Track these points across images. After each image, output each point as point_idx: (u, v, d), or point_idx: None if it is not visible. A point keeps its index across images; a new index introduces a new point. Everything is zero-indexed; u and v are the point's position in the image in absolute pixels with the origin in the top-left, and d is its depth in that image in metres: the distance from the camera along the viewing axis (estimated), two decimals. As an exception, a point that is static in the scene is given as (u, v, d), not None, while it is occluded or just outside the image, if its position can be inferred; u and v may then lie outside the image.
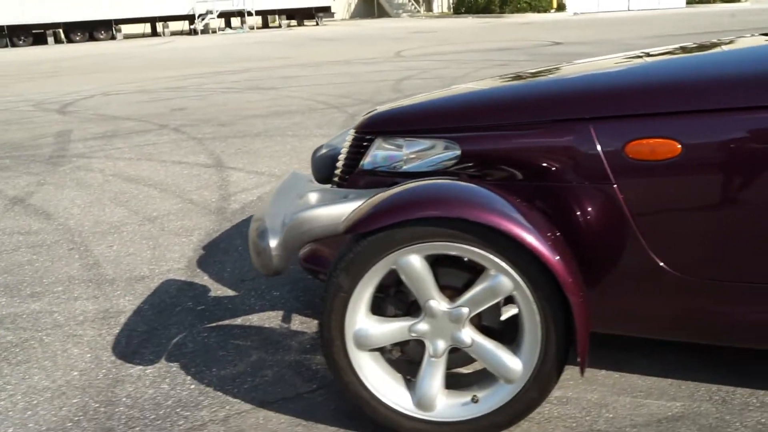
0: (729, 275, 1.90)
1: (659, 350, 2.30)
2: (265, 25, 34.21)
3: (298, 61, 13.97)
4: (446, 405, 1.86)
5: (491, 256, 1.71)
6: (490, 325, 1.86)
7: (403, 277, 1.79)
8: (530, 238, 1.68)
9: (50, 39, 28.57)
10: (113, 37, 29.41)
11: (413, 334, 1.83)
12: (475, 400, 1.85)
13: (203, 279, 3.11)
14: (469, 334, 1.81)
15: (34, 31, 28.29)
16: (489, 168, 2.09)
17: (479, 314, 1.84)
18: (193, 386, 2.24)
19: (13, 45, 27.91)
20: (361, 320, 1.85)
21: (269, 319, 2.68)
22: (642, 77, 2.06)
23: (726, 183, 1.87)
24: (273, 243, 1.85)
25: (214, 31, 30.85)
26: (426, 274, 1.78)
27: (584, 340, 1.72)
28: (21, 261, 3.46)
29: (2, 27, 27.47)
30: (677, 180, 1.90)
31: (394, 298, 1.88)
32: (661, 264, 1.96)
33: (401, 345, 1.91)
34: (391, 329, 1.85)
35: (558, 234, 1.82)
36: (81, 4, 28.16)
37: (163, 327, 2.67)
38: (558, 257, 1.69)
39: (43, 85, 11.88)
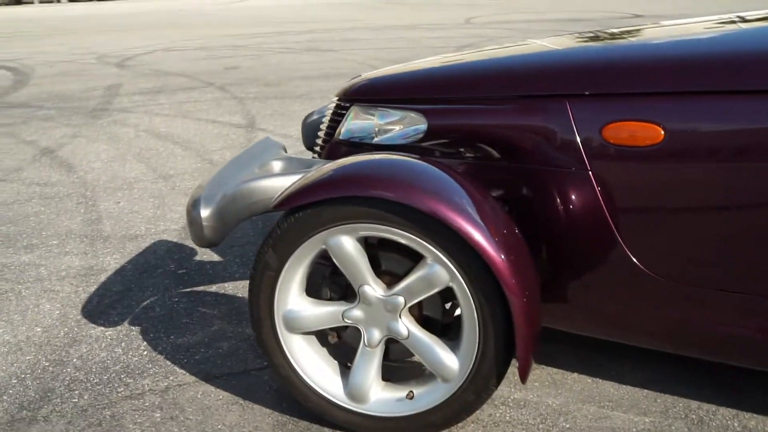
0: (716, 282, 1.69)
1: (644, 357, 2.10)
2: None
3: (366, 23, 13.78)
4: (381, 399, 1.73)
5: (425, 244, 1.56)
6: (432, 317, 1.71)
7: (333, 259, 1.65)
8: (470, 229, 1.51)
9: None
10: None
11: (347, 321, 1.70)
12: (410, 397, 1.71)
13: (175, 241, 3.05)
14: (405, 326, 1.66)
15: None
16: (453, 145, 1.92)
17: (420, 305, 1.70)
18: (145, 353, 2.17)
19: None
20: (293, 301, 1.73)
21: (244, 288, 2.59)
22: (633, 53, 1.84)
23: (716, 176, 1.64)
24: (204, 213, 1.74)
25: None
26: (359, 257, 1.64)
27: (526, 344, 1.55)
28: (29, 212, 3.48)
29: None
30: (659, 170, 1.70)
31: (329, 280, 1.75)
32: (639, 264, 1.76)
33: (338, 330, 1.78)
34: (323, 313, 1.72)
35: (512, 227, 1.64)
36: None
37: (139, 289, 2.62)
38: (503, 255, 1.51)
39: (112, 39, 12.10)
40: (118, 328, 2.33)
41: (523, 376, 1.58)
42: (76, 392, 1.98)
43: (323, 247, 1.65)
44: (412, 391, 1.72)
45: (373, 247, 1.70)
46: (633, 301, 1.79)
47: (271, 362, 1.77)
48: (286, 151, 2.26)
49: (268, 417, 1.85)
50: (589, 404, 1.88)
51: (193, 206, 1.75)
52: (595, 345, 2.14)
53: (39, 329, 2.34)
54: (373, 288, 1.66)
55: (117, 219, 3.34)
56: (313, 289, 1.77)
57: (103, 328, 2.34)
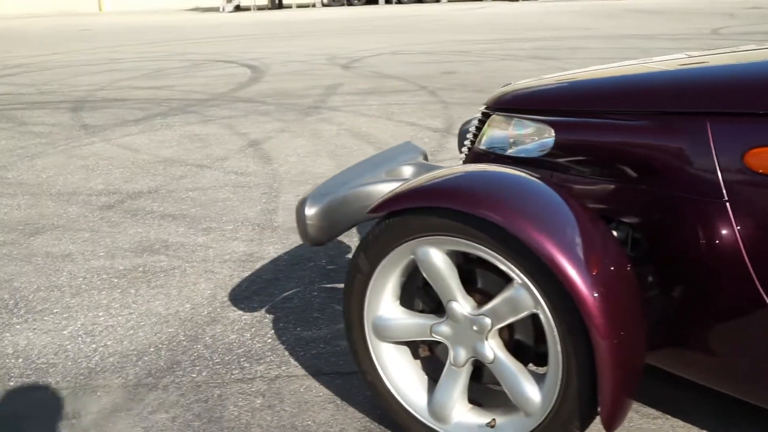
0: None
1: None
2: (591, -6, 32.88)
3: (599, 32, 13.23)
4: (462, 421, 1.64)
5: (511, 266, 1.44)
6: (525, 344, 1.58)
7: (422, 270, 1.59)
8: (559, 258, 1.36)
9: (381, 0, 30.58)
10: (438, 0, 30.55)
11: (434, 335, 1.63)
12: (491, 425, 1.60)
13: (355, 240, 3.11)
14: (492, 349, 1.56)
15: (369, -8, 30.51)
16: (579, 161, 1.76)
17: (512, 330, 1.58)
18: (269, 341, 2.26)
19: (350, 4, 30.42)
20: (384, 308, 1.69)
21: (381, 291, 2.59)
22: None
23: None
24: (309, 211, 1.76)
25: (535, -2, 30.50)
26: (447, 271, 1.56)
27: (612, 389, 1.38)
28: (218, 198, 3.79)
29: (343, -13, 30.05)
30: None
31: (421, 291, 1.69)
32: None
33: (431, 345, 1.71)
34: (412, 324, 1.67)
35: (619, 261, 1.46)
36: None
37: (286, 279, 2.73)
38: (594, 291, 1.35)
39: (348, 42, 12.79)
40: (255, 314, 2.45)
41: (607, 424, 1.40)
42: (197, 368, 2.11)
43: (412, 257, 1.59)
44: (494, 420, 1.61)
45: (472, 263, 1.62)
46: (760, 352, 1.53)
47: (359, 367, 1.75)
48: (426, 158, 2.22)
49: (357, 421, 1.83)
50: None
51: (301, 203, 1.78)
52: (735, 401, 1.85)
53: (188, 306, 2.53)
54: (461, 305, 1.57)
55: (290, 211, 3.51)
56: (408, 300, 1.72)
57: (241, 312, 2.47)
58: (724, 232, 1.52)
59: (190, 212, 3.55)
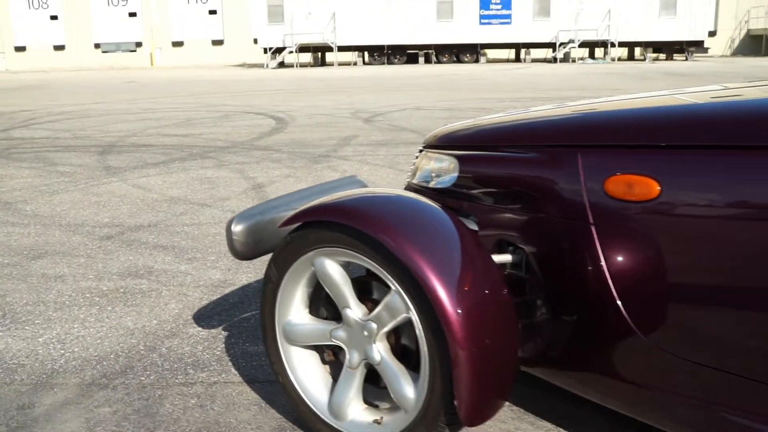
0: (718, 361, 1.54)
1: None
2: (630, 57, 33.19)
3: (622, 92, 13.43)
4: (356, 419, 1.83)
5: (387, 275, 1.65)
6: (409, 348, 1.77)
7: (320, 280, 1.81)
8: (429, 277, 1.54)
9: (421, 59, 31.34)
10: (477, 60, 31.17)
11: (333, 340, 1.83)
12: (378, 422, 1.78)
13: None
14: (378, 351, 1.75)
15: (408, 52, 31.32)
16: (479, 192, 1.98)
17: (398, 335, 1.77)
18: (217, 353, 2.48)
19: (390, 63, 31.23)
20: (294, 315, 1.90)
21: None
22: (639, 110, 1.77)
23: (719, 238, 1.53)
24: (236, 228, 2.00)
25: (573, 60, 30.90)
26: (341, 281, 1.77)
27: (469, 392, 1.54)
28: (210, 232, 4.06)
29: (383, 47, 30.94)
30: (654, 228, 1.61)
31: (325, 300, 1.90)
32: (635, 329, 1.67)
33: (335, 349, 1.91)
34: (315, 329, 1.87)
35: (489, 279, 1.65)
36: (452, 30, 30.40)
37: (249, 302, 2.96)
38: (460, 309, 1.53)
39: (378, 98, 13.20)
40: (212, 330, 2.67)
41: (466, 420, 1.57)
42: (147, 373, 2.33)
43: (313, 268, 1.81)
44: (382, 417, 1.79)
45: (370, 274, 1.82)
46: (628, 368, 1.70)
47: (272, 368, 1.95)
48: (367, 190, 2.44)
49: (274, 421, 2.02)
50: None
51: (230, 221, 2.02)
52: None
53: (155, 322, 2.76)
54: (354, 311, 1.77)
55: (273, 245, 3.75)
56: (315, 308, 1.92)
57: (200, 329, 2.69)
58: (590, 253, 1.71)
59: (181, 244, 3.82)
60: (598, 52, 31.99)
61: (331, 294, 1.80)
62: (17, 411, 2.10)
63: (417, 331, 1.63)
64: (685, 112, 1.66)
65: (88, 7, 37.94)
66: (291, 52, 30.92)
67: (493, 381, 1.61)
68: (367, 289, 1.82)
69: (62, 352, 2.51)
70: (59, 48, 38.16)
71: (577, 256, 1.74)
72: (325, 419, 1.86)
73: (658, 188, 1.59)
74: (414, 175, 2.33)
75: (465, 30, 30.48)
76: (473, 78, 19.14)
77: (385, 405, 1.83)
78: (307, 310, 1.92)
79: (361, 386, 1.82)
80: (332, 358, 1.92)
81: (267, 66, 30.76)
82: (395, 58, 31.27)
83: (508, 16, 30.27)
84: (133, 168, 6.25)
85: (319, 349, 1.94)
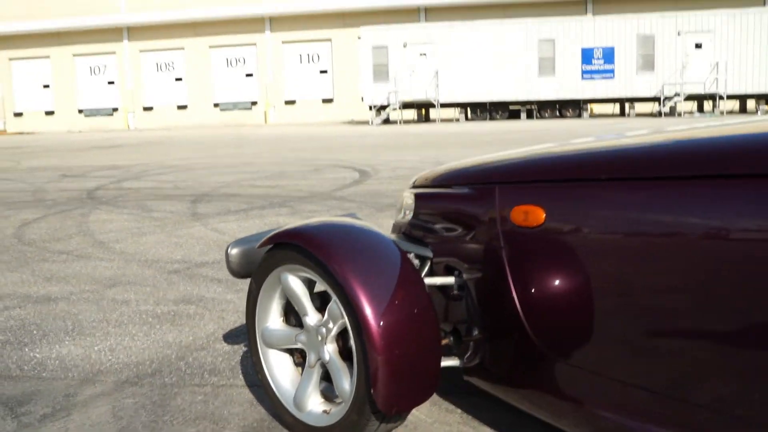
0: (593, 364, 1.82)
1: None
2: (743, 109, 32.13)
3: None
4: (312, 411, 2.20)
5: (328, 286, 2.04)
6: (352, 348, 2.14)
7: (285, 291, 2.21)
8: (356, 292, 1.91)
9: (523, 115, 31.59)
10: (579, 115, 31.08)
11: (298, 343, 2.23)
12: (327, 412, 2.15)
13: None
14: (328, 352, 2.13)
15: (511, 108, 31.68)
16: (431, 224, 2.35)
17: (345, 338, 2.14)
18: (233, 364, 2.91)
19: (492, 118, 31.65)
20: (270, 322, 2.32)
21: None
22: (540, 152, 2.11)
23: (593, 259, 1.84)
24: (231, 251, 2.45)
25: (680, 114, 30.26)
26: (301, 292, 2.18)
27: (384, 386, 1.88)
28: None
29: (485, 104, 31.45)
30: (542, 250, 1.94)
31: (294, 310, 2.30)
32: (534, 338, 1.99)
33: (302, 352, 2.30)
34: (284, 334, 2.28)
35: (413, 294, 1.98)
36: (554, 85, 30.56)
37: (274, 325, 3.39)
38: (388, 322, 1.88)
39: (465, 151, 13.62)
40: (234, 347, 3.12)
41: (383, 409, 1.91)
42: (171, 375, 2.79)
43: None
44: (331, 408, 2.15)
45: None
46: (528, 372, 2.00)
47: (254, 367, 2.36)
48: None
49: (257, 414, 2.42)
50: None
51: (228, 245, 2.47)
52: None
53: (191, 338, 3.25)
54: (311, 318, 2.17)
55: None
56: (288, 317, 2.33)
57: (227, 345, 3.14)
58: (501, 273, 2.05)
59: (234, 278, 4.32)
60: (707, 105, 31.20)
61: (293, 304, 2.21)
62: (63, 398, 2.60)
63: (350, 336, 2.00)
64: (566, 153, 1.99)
65: (209, 69, 40.69)
66: (395, 109, 31.94)
67: (408, 381, 1.95)
68: (326, 300, 2.21)
69: (110, 357, 3.02)
70: (182, 107, 41.01)
71: (493, 276, 2.08)
72: (290, 410, 2.24)
73: (544, 215, 1.91)
74: (399, 211, 2.73)
75: (567, 85, 30.56)
76: (568, 132, 19.23)
77: (338, 399, 2.19)
78: (282, 319, 2.33)
79: (318, 383, 2.20)
80: (300, 359, 2.31)
81: (372, 123, 31.87)
82: (497, 114, 31.67)
83: (611, 71, 30.14)
84: (216, 215, 6.91)
85: (291, 352, 2.34)
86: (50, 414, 2.47)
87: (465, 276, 2.21)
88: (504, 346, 2.10)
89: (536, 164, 2.05)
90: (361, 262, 2.01)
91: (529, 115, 31.65)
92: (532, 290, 1.97)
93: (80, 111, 41.33)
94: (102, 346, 3.18)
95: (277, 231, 2.23)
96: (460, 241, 2.23)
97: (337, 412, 2.11)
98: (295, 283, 2.18)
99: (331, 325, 2.09)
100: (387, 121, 32.52)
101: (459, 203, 2.25)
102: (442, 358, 2.22)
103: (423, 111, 34.14)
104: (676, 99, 29.75)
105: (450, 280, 2.26)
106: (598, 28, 30.37)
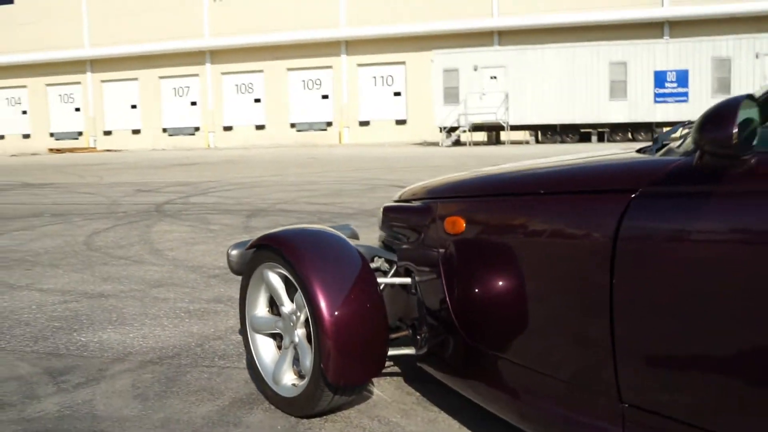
0: (513, 354, 2.18)
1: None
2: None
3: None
4: (285, 384, 2.65)
5: (294, 281, 2.49)
6: (320, 333, 2.57)
7: (266, 285, 2.68)
8: (315, 287, 2.36)
9: (594, 138, 31.38)
10: (653, 139, 30.64)
11: (276, 328, 2.69)
12: (295, 385, 2.60)
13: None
14: (297, 335, 2.58)
15: (582, 131, 31.52)
16: (394, 232, 2.79)
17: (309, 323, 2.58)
18: (241, 350, 3.38)
19: (563, 141, 31.57)
20: (257, 311, 2.78)
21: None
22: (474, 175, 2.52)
23: (502, 260, 2.23)
24: (232, 251, 2.92)
25: (758, 139, 29.43)
26: (278, 286, 2.63)
27: (333, 365, 2.31)
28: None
29: (555, 126, 31.42)
30: (464, 253, 2.35)
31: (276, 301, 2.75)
32: (461, 331, 2.39)
33: (281, 335, 2.75)
34: (267, 321, 2.74)
35: (366, 291, 2.41)
36: (626, 108, 30.28)
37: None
38: (336, 311, 2.32)
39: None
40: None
41: (332, 382, 2.34)
42: (187, 358, 3.30)
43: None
44: (298, 382, 2.59)
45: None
46: (459, 362, 2.40)
47: (244, 345, 2.83)
48: (356, 237, 3.30)
49: (248, 389, 2.89)
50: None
51: (229, 247, 2.96)
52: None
53: (212, 330, 3.75)
54: (286, 307, 2.62)
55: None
56: (272, 307, 2.79)
57: (240, 337, 3.63)
58: (437, 274, 2.47)
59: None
60: (789, 130, 30.26)
61: (273, 295, 2.67)
62: (96, 371, 3.14)
63: (311, 322, 2.44)
64: (481, 175, 2.40)
65: (286, 91, 42.05)
66: (464, 131, 32.27)
67: (354, 361, 2.37)
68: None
69: (142, 343, 3.56)
70: (260, 127, 42.46)
71: (433, 278, 2.49)
72: (270, 384, 2.70)
73: (464, 224, 2.32)
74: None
75: (639, 108, 30.24)
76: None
77: (305, 375, 2.63)
78: (268, 309, 2.79)
79: (292, 362, 2.65)
80: (280, 342, 2.77)
81: (441, 144, 32.29)
82: (567, 137, 31.57)
83: (685, 94, 29.67)
84: (265, 228, 7.46)
85: (274, 336, 2.79)
86: (83, 383, 3.00)
87: (416, 277, 2.63)
88: (442, 338, 2.49)
89: (461, 183, 2.47)
90: (322, 262, 2.46)
91: (600, 138, 31.40)
92: (457, 289, 2.37)
93: (164, 130, 43.39)
94: (136, 333, 3.72)
95: (260, 235, 2.70)
96: (413, 247, 2.66)
97: (302, 385, 2.55)
98: (274, 278, 2.65)
99: (299, 313, 2.54)
100: (457, 142, 32.86)
101: (413, 215, 2.68)
102: (402, 347, 2.65)
103: (494, 133, 34.34)
104: (753, 123, 28.97)
105: (407, 280, 2.68)
106: (672, 51, 29.99)
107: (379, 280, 2.69)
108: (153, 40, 41.78)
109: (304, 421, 2.56)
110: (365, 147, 33.61)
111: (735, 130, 1.48)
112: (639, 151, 2.07)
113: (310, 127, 42.24)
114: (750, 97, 1.58)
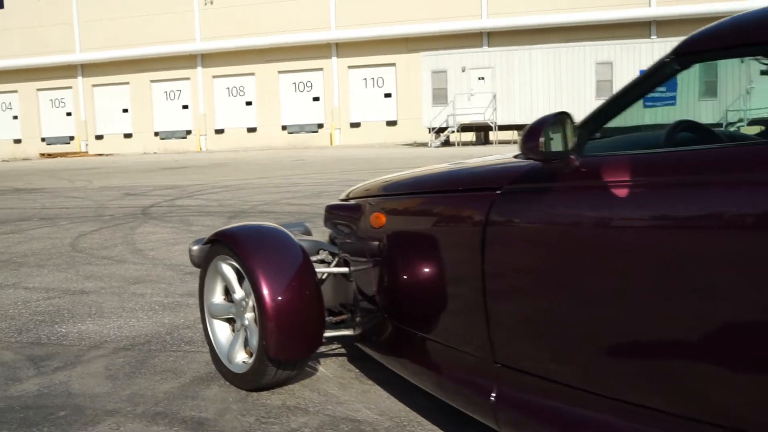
0: (427, 330, 2.53)
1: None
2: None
3: None
4: (237, 362, 3.00)
5: (242, 271, 2.84)
6: (267, 318, 2.92)
7: (220, 275, 3.03)
8: (258, 276, 2.72)
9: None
10: (638, 138, 31.08)
11: (231, 313, 3.04)
12: (245, 362, 2.95)
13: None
14: (247, 318, 2.93)
15: (568, 129, 31.93)
16: (338, 229, 3.15)
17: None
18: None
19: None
20: (214, 298, 3.13)
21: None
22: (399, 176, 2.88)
23: (416, 248, 2.59)
24: (193, 247, 3.27)
25: (741, 137, 29.88)
26: (231, 275, 2.98)
27: (272, 342, 2.67)
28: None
29: (542, 125, 31.84)
30: (385, 244, 2.71)
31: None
32: (384, 312, 2.75)
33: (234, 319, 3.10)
34: (222, 307, 3.09)
35: (305, 281, 2.77)
36: (612, 107, 30.66)
37: (250, 313, 4.20)
38: (276, 296, 2.68)
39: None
40: (213, 326, 3.94)
41: (273, 356, 2.70)
42: (157, 345, 3.65)
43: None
44: (248, 360, 2.95)
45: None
46: (385, 341, 2.76)
47: (203, 330, 3.18)
48: (308, 233, 3.65)
49: (207, 369, 3.23)
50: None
51: (191, 243, 3.30)
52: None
53: (182, 321, 4.10)
54: (238, 294, 2.97)
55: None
56: (228, 295, 3.14)
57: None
58: (365, 262, 2.82)
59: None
60: (772, 127, 30.71)
61: (226, 284, 3.02)
62: (73, 357, 3.49)
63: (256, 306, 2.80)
64: (398, 177, 2.76)
65: (277, 94, 42.36)
66: (453, 131, 32.66)
67: (291, 340, 2.72)
68: (250, 282, 3.00)
69: (117, 332, 3.90)
70: (252, 130, 42.76)
71: (363, 266, 2.84)
72: (224, 362, 3.05)
73: (385, 219, 2.68)
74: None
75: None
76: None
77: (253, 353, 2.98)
78: (224, 297, 3.14)
79: (243, 342, 3.00)
80: (234, 326, 3.12)
81: (430, 144, 32.66)
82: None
83: (673, 98, 30.05)
84: (244, 228, 7.81)
85: (229, 321, 3.14)
86: (61, 367, 3.35)
87: (352, 267, 2.98)
88: (372, 320, 2.85)
89: (383, 184, 2.82)
90: (265, 254, 2.81)
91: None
92: (380, 276, 2.73)
93: (156, 134, 43.67)
94: (113, 325, 4.07)
95: (216, 231, 3.05)
96: (349, 240, 3.01)
97: (251, 362, 2.90)
98: (227, 269, 3.00)
99: (248, 299, 2.89)
100: (446, 143, 33.24)
101: (348, 212, 3.03)
102: (343, 329, 3.01)
103: (482, 133, 34.71)
104: (739, 125, 29.43)
105: (345, 269, 3.04)
106: (658, 50, 30.41)
107: (322, 269, 3.06)
108: (144, 44, 42.06)
109: (253, 393, 2.91)
110: (356, 148, 33.96)
111: (542, 140, 1.85)
112: (515, 156, 2.43)
113: (302, 129, 42.55)
114: (565, 113, 1.94)
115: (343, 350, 3.46)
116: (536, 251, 1.95)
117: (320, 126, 42.55)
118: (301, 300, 2.75)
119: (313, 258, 3.28)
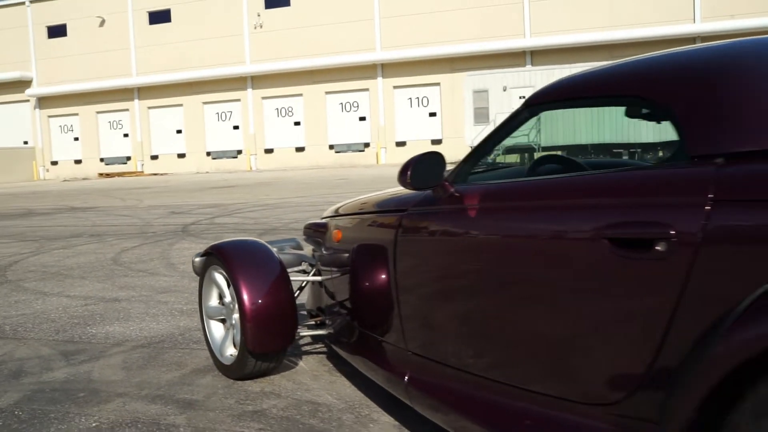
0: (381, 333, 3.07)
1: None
2: None
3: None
4: (226, 355, 3.56)
5: (228, 278, 3.41)
6: (251, 319, 3.49)
7: (213, 283, 3.60)
8: (240, 283, 3.29)
9: (625, 157, 31.75)
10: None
11: (223, 314, 3.61)
12: (233, 356, 3.51)
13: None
14: (234, 318, 3.49)
15: (614, 150, 31.96)
16: (313, 243, 3.71)
17: (247, 311, 3.49)
18: (212, 338, 4.31)
19: (592, 158, 31.96)
20: (211, 302, 3.71)
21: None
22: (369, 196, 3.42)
23: (366, 263, 3.13)
24: (195, 259, 3.86)
25: None
26: (222, 282, 3.56)
27: (252, 338, 3.23)
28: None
29: (586, 146, 31.95)
30: (342, 258, 3.25)
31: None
32: (344, 312, 3.29)
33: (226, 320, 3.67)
34: (217, 309, 3.66)
35: (281, 288, 3.32)
36: (656, 127, 30.59)
37: (255, 318, 4.79)
38: (254, 300, 3.24)
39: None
40: (220, 329, 4.53)
41: (251, 349, 3.25)
42: (169, 342, 4.24)
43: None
44: (235, 353, 3.51)
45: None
46: (349, 342, 3.29)
47: (202, 329, 3.76)
48: (299, 248, 4.22)
49: (206, 363, 3.81)
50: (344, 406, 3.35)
51: (194, 255, 3.90)
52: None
53: (195, 324, 4.70)
54: (227, 298, 3.55)
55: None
56: (220, 299, 3.71)
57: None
58: (332, 274, 3.37)
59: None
60: None
61: (219, 289, 3.60)
62: (98, 353, 4.11)
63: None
64: (354, 200, 3.29)
65: (325, 114, 43.36)
66: (499, 154, 32.98)
67: (266, 337, 3.27)
68: (240, 289, 3.57)
69: (138, 333, 4.52)
70: (300, 149, 43.80)
71: (329, 276, 3.39)
72: (217, 356, 3.62)
73: (341, 235, 3.22)
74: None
75: (669, 128, 30.52)
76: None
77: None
78: (218, 300, 3.72)
79: (233, 339, 3.56)
80: (226, 325, 3.69)
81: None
82: (599, 157, 32.02)
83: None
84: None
85: (223, 321, 3.71)
86: (87, 360, 3.97)
87: (323, 276, 3.53)
88: (339, 322, 3.38)
89: (342, 205, 3.37)
90: (245, 265, 3.38)
91: (631, 158, 31.76)
92: (341, 284, 3.26)
93: (208, 153, 45.13)
94: (135, 327, 4.69)
95: (211, 245, 3.64)
96: (321, 253, 3.56)
97: (236, 355, 3.47)
98: (218, 277, 3.58)
99: (234, 302, 3.46)
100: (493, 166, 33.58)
101: (320, 229, 3.59)
102: (318, 329, 3.55)
103: (526, 155, 34.94)
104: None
105: (318, 278, 3.59)
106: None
107: (301, 278, 3.62)
108: (196, 67, 43.67)
109: (239, 381, 3.47)
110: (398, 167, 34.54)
111: (409, 173, 2.37)
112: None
113: (348, 148, 43.40)
114: (435, 153, 2.44)
115: (324, 348, 3.99)
116: (429, 259, 2.48)
117: (366, 145, 43.32)
118: (276, 303, 3.30)
119: (297, 268, 3.84)
